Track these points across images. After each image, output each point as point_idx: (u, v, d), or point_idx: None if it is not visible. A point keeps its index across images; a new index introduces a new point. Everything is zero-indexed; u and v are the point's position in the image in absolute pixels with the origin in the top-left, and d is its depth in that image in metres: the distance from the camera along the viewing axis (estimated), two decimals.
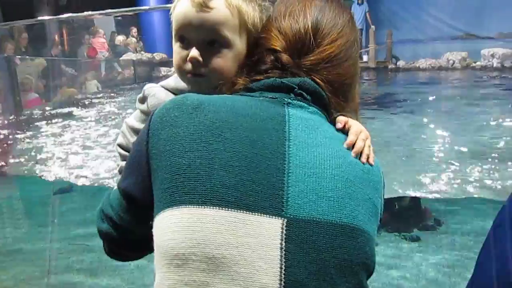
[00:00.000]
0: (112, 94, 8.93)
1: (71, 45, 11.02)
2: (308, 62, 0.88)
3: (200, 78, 0.94)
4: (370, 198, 0.82)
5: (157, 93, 1.04)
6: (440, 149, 3.90)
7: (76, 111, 6.83)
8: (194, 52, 0.92)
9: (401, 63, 12.34)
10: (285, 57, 0.87)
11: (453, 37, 16.33)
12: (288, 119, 0.82)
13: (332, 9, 0.91)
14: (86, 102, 7.69)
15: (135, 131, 1.06)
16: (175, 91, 1.03)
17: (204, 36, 0.91)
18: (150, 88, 1.07)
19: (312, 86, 0.86)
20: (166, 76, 13.84)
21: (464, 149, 3.79)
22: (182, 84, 1.00)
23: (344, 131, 0.89)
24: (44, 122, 5.92)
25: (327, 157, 0.80)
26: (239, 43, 0.93)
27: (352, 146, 0.85)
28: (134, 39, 13.04)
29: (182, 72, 0.97)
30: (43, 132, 5.42)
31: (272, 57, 0.88)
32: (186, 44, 0.94)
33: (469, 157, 3.59)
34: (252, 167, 0.77)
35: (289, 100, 0.85)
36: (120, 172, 1.09)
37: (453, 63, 11.25)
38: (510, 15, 14.56)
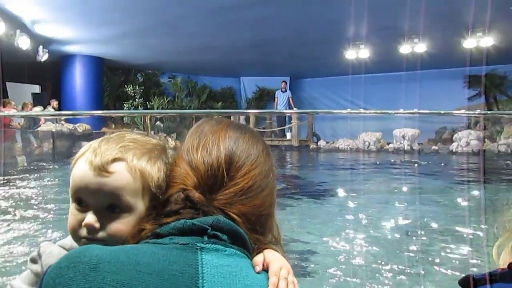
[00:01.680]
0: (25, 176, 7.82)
1: None
2: (221, 197, 0.82)
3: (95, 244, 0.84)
4: None
5: (54, 251, 0.92)
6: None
7: None
8: (90, 218, 0.83)
9: (321, 143, 12.94)
10: (196, 195, 0.80)
11: (367, 116, 17.66)
12: (202, 271, 0.74)
13: (245, 140, 0.88)
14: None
15: None
16: None
17: (103, 201, 0.83)
18: (46, 246, 0.94)
19: (227, 224, 0.79)
20: None
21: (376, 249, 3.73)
22: (76, 245, 0.90)
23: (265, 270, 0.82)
24: None
25: None
26: (141, 206, 0.85)
27: None
28: (52, 110, 12.57)
29: (76, 237, 0.87)
30: None
31: (182, 196, 0.81)
32: (83, 206, 0.85)
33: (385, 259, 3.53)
34: None
35: (202, 245, 0.77)
36: None
37: (369, 144, 11.99)
38: (417, 102, 16.16)
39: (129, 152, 0.85)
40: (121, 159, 0.84)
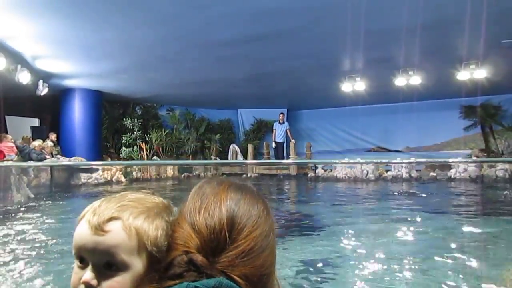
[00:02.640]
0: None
1: None
2: (224, 259, 0.83)
3: None
4: None
5: None
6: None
7: None
8: (87, 275, 0.85)
9: (320, 171, 12.91)
10: (199, 258, 0.82)
11: (366, 149, 17.83)
12: None
13: (246, 201, 0.90)
14: None
15: None
16: None
17: (99, 259, 0.86)
18: None
19: (229, 286, 0.80)
20: (85, 184, 12.88)
21: None
22: None
23: None
24: None
25: None
26: (138, 264, 0.87)
27: None
28: (51, 143, 12.62)
29: None
30: None
31: (186, 259, 0.83)
32: (84, 264, 0.87)
33: None
34: None
35: None
36: None
37: (367, 173, 11.98)
38: (414, 133, 16.35)
39: (126, 211, 0.88)
40: (117, 218, 0.87)
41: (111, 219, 0.87)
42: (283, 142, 15.35)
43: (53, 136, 12.96)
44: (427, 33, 7.97)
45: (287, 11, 6.91)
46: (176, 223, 0.90)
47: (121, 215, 0.87)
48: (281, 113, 15.78)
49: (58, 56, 9.69)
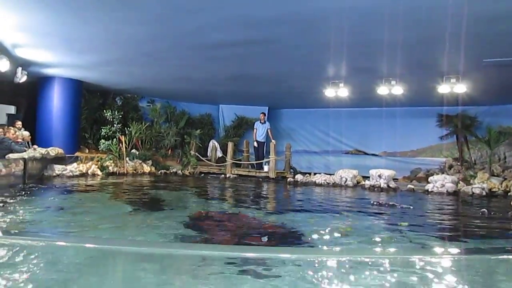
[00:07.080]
0: None
1: None
2: None
3: None
4: None
5: None
6: None
7: None
8: None
9: (298, 177, 12.97)
10: None
11: (344, 151, 18.09)
12: None
13: None
14: None
15: None
16: None
17: None
18: None
19: None
20: (60, 176, 12.56)
21: None
22: None
23: None
24: None
25: None
26: None
27: None
28: (26, 133, 12.24)
29: None
30: None
31: None
32: None
33: None
34: None
35: None
36: None
37: (346, 180, 12.14)
38: (392, 138, 16.67)
39: None
40: None
41: None
42: (264, 142, 15.40)
43: (18, 123, 12.44)
44: (411, 48, 8.12)
45: (276, 20, 6.91)
46: None
47: None
48: (262, 113, 15.80)
49: (40, 46, 9.44)
